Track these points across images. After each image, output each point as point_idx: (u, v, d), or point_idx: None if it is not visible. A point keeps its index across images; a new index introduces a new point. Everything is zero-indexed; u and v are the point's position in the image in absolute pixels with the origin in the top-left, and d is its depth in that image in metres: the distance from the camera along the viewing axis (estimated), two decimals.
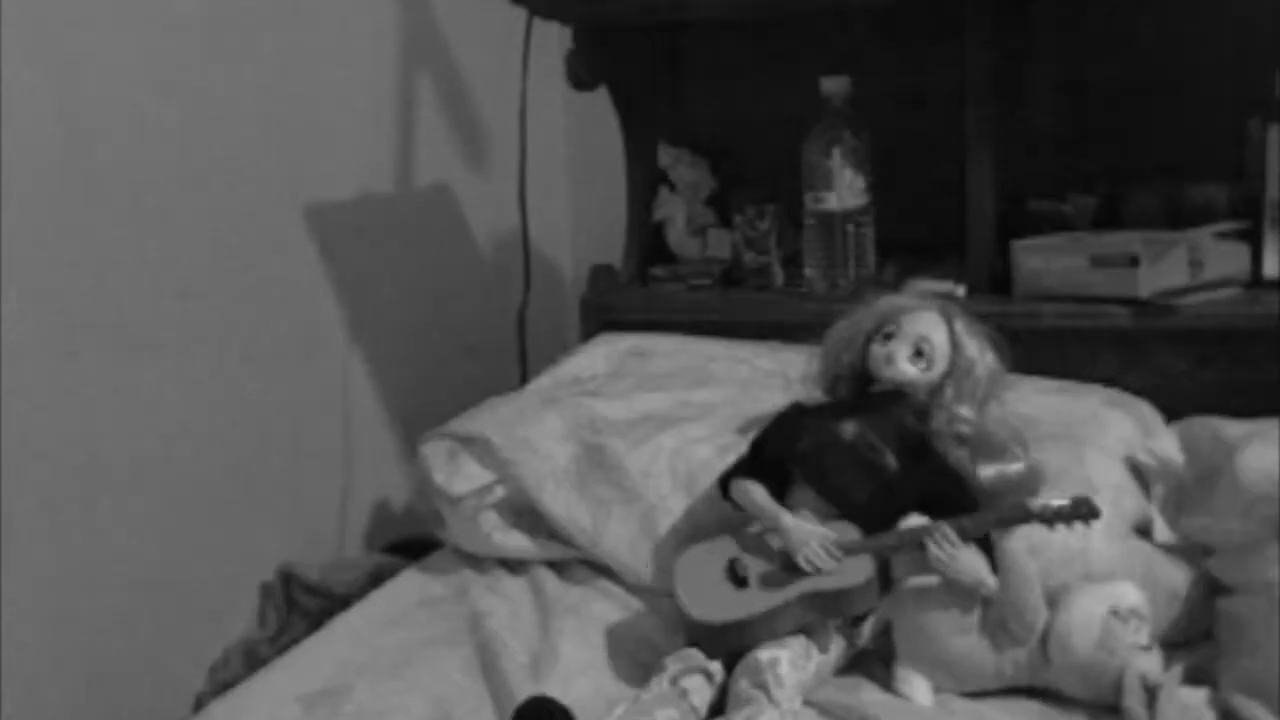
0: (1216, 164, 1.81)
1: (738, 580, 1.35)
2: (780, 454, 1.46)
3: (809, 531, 1.34)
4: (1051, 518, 1.31)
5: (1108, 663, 1.27)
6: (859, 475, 1.41)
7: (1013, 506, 1.34)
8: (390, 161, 2.20)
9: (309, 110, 2.00)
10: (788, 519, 1.37)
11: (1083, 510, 1.32)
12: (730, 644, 1.30)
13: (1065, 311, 1.73)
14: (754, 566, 1.36)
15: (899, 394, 1.45)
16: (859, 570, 1.32)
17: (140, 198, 1.72)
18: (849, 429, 1.43)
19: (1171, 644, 1.36)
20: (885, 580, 1.38)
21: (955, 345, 1.44)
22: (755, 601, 1.32)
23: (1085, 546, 1.39)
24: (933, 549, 1.31)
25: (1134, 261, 1.68)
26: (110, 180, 1.68)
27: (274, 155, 1.94)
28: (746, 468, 1.47)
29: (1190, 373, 1.68)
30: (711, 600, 1.34)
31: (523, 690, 1.31)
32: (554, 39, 2.06)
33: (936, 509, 1.36)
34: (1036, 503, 1.33)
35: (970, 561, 1.31)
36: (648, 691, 1.27)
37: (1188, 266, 1.69)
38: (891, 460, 1.41)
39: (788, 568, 1.33)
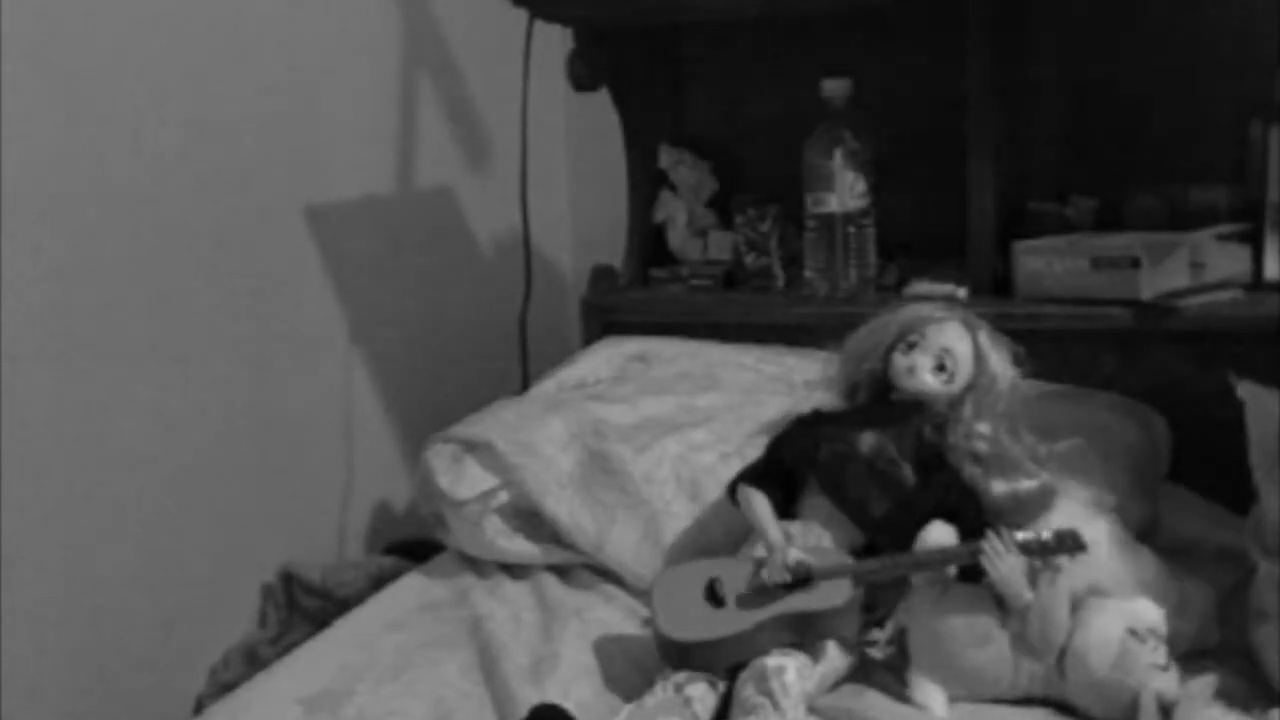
0: (1218, 166, 1.82)
1: (716, 600, 1.34)
2: (796, 461, 1.45)
3: (780, 548, 1.34)
4: (1036, 551, 1.31)
5: (1124, 682, 1.27)
6: (877, 489, 1.40)
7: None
8: (391, 163, 2.19)
9: (310, 112, 2.00)
10: (774, 535, 1.37)
11: (1068, 544, 1.31)
12: (702, 664, 1.29)
13: (1066, 313, 1.73)
14: (733, 588, 1.34)
15: (918, 404, 1.44)
16: (838, 593, 1.31)
17: (141, 199, 1.72)
18: (868, 440, 1.43)
19: (1180, 656, 1.34)
20: (902, 589, 1.38)
21: (979, 359, 1.43)
22: (730, 622, 1.31)
23: (1091, 557, 1.37)
24: (993, 558, 1.30)
25: (1135, 263, 1.68)
26: (111, 182, 1.68)
27: (275, 157, 1.93)
28: (759, 472, 1.47)
29: (1191, 375, 1.68)
30: (686, 619, 1.32)
31: (524, 694, 1.30)
32: (555, 40, 2.06)
33: (948, 523, 1.36)
34: (1020, 535, 1.32)
35: (1019, 572, 1.31)
36: (651, 697, 1.27)
37: (1189, 268, 1.69)
38: (909, 474, 1.41)
39: (767, 589, 1.32)
